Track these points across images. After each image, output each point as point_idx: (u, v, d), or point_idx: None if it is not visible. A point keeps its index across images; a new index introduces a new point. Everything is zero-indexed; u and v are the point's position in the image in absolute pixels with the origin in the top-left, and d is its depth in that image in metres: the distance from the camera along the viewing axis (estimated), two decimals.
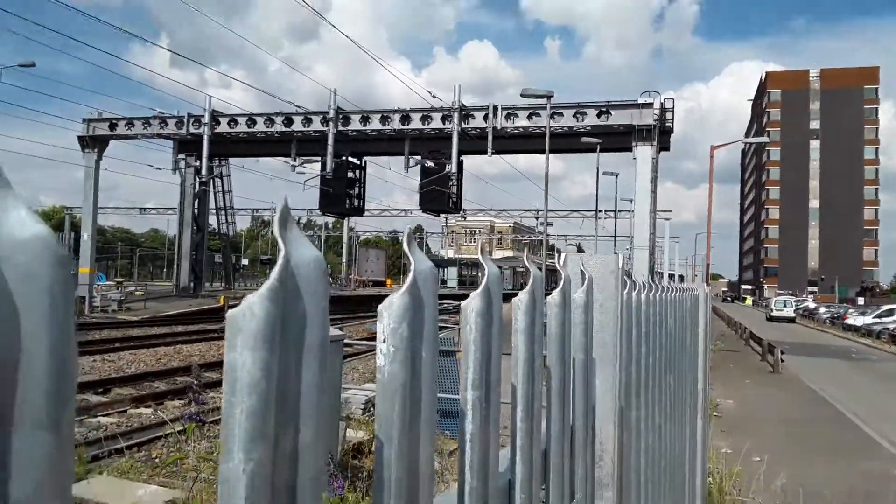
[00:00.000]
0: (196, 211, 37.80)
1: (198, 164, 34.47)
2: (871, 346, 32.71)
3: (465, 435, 0.89)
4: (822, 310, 58.00)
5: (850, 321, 43.36)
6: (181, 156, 35.17)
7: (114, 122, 33.91)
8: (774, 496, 5.77)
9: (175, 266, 38.83)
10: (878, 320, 39.02)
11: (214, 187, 40.48)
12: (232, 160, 40.67)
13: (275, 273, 0.51)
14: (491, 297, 0.94)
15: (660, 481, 2.75)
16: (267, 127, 32.22)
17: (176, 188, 37.66)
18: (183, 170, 35.79)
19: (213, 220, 41.91)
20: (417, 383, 0.72)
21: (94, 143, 33.38)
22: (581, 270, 1.59)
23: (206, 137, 32.68)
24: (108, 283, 36.33)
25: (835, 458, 9.24)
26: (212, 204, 40.45)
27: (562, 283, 1.37)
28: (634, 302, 2.12)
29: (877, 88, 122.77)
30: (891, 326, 35.33)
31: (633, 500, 2.13)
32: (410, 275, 0.72)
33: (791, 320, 53.71)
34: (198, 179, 36.10)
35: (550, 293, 1.33)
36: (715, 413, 10.96)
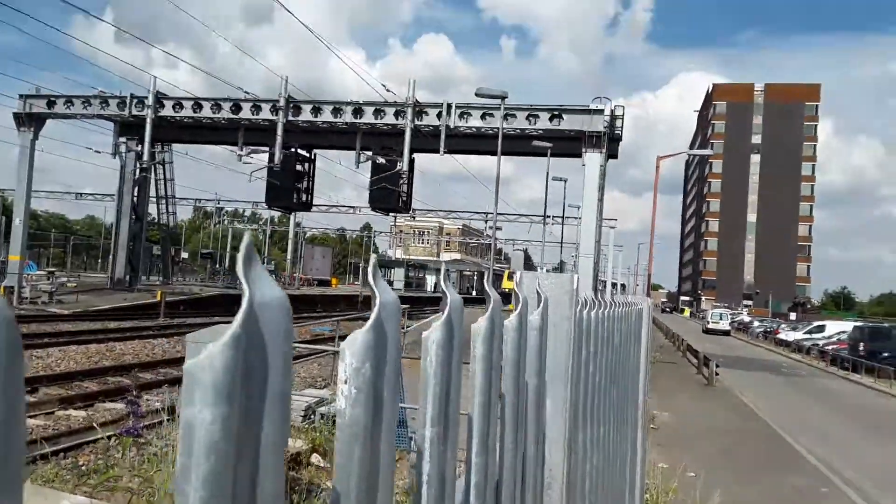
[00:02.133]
0: (136, 199, 36.52)
1: (139, 148, 33.41)
2: (800, 362, 33.95)
3: (423, 476, 0.85)
4: (756, 323, 59.92)
5: (781, 336, 44.87)
6: (122, 139, 34.01)
7: (52, 99, 32.57)
8: None
9: (111, 257, 37.32)
10: (808, 336, 40.49)
11: (156, 174, 39.26)
12: (175, 147, 39.61)
13: (238, 319, 0.46)
14: (453, 327, 0.91)
15: (603, 502, 2.77)
16: (214, 112, 31.44)
17: (115, 174, 36.35)
18: (123, 154, 34.58)
19: (153, 209, 40.73)
20: (378, 427, 0.69)
21: (30, 122, 32.00)
22: (537, 292, 1.57)
23: (149, 120, 31.67)
24: (39, 272, 34.89)
25: (766, 474, 9.52)
26: (152, 192, 39.23)
27: (519, 305, 1.35)
28: (585, 321, 2.11)
29: (817, 105, 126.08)
30: (820, 342, 36.73)
31: None
32: (375, 309, 0.68)
33: (726, 333, 55.37)
34: (139, 165, 34.98)
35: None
36: (652, 426, 11.17)
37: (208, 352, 0.45)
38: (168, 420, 6.52)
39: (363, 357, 0.65)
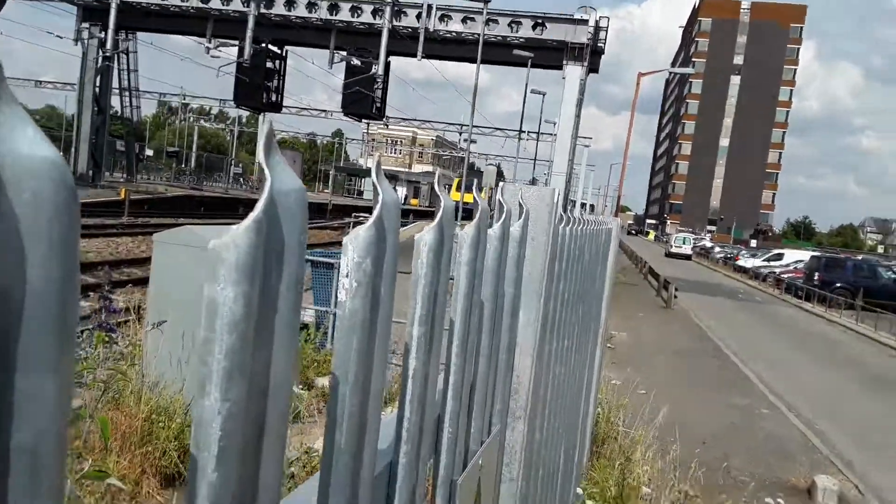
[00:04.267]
0: (98, 90, 35.20)
1: (103, 35, 32.08)
2: (757, 288, 34.97)
3: (408, 370, 0.89)
4: (717, 249, 61.20)
5: (740, 263, 45.98)
6: (85, 24, 32.59)
7: None
8: (655, 429, 6.21)
9: (73, 150, 36.13)
10: (766, 264, 41.50)
11: (119, 64, 37.71)
12: (140, 36, 38.04)
13: (260, 205, 0.48)
14: (443, 231, 0.94)
15: (561, 412, 2.90)
16: (181, 0, 30.18)
17: (77, 61, 34.89)
18: (86, 41, 33.18)
19: (115, 102, 39.29)
20: (375, 320, 0.72)
21: None
22: (519, 203, 1.59)
23: (113, 5, 30.34)
24: None
25: (712, 394, 9.99)
26: (115, 83, 37.77)
27: (503, 216, 1.37)
28: (561, 236, 2.15)
29: (801, 28, 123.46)
30: (777, 270, 37.75)
31: (537, 430, 2.23)
32: (377, 207, 0.70)
33: (688, 257, 56.53)
34: (101, 53, 33.57)
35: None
36: (609, 344, 11.56)
37: (232, 233, 0.47)
38: (135, 319, 6.50)
39: (364, 252, 0.67)
